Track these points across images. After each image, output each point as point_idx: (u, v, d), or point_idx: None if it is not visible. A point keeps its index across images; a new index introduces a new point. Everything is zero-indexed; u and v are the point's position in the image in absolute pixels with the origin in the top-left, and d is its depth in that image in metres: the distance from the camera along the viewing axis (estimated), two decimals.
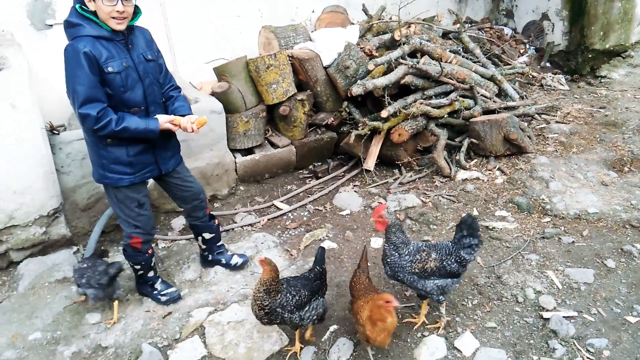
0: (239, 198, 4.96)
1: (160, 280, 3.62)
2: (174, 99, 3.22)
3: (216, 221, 3.78)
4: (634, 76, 7.32)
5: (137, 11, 2.96)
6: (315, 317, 2.96)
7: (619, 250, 3.83)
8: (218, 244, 3.85)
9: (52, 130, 4.06)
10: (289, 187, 5.09)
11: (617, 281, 3.52)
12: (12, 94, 3.73)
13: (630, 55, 7.79)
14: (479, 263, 3.79)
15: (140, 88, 2.99)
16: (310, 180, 5.17)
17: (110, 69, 2.82)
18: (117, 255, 4.15)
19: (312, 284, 3.01)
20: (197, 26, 5.80)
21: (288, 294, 2.86)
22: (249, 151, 5.07)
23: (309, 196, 4.87)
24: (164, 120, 3.03)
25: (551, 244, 3.96)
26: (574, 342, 3.02)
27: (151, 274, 3.55)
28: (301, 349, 3.10)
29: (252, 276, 3.81)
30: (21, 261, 4.03)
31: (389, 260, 2.96)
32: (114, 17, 2.79)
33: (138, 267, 3.48)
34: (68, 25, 2.82)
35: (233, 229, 4.37)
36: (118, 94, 2.91)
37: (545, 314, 3.23)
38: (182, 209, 3.67)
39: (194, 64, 5.52)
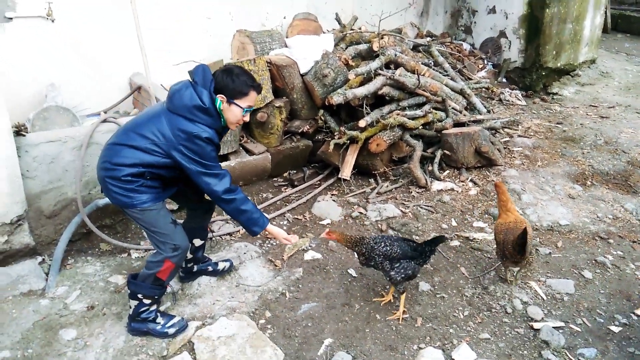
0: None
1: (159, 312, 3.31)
2: None
3: (209, 228, 3.64)
4: (583, 94, 7.74)
5: None
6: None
7: (593, 261, 4.00)
8: (204, 254, 3.70)
9: (19, 131, 3.75)
10: (264, 195, 4.97)
11: (596, 291, 3.67)
12: None
13: (578, 74, 8.24)
14: (464, 274, 3.84)
15: None
16: (286, 189, 5.07)
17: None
18: (86, 266, 3.89)
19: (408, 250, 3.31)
20: (167, 26, 5.59)
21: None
22: (223, 158, 4.91)
23: (286, 205, 4.77)
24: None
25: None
26: (565, 353, 3.11)
27: (154, 306, 3.23)
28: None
29: (237, 288, 3.67)
30: None
31: None
32: (238, 122, 3.05)
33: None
34: (205, 112, 2.89)
35: (211, 238, 4.20)
36: None
37: (535, 325, 3.31)
38: (192, 208, 3.55)
39: (164, 66, 5.30)
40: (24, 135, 3.78)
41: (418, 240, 3.99)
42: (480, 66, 8.02)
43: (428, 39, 6.75)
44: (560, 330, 3.27)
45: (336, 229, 4.29)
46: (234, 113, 2.96)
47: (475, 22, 8.42)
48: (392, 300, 3.52)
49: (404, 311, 3.39)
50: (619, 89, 7.91)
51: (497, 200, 3.81)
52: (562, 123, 6.62)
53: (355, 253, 3.42)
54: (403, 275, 3.28)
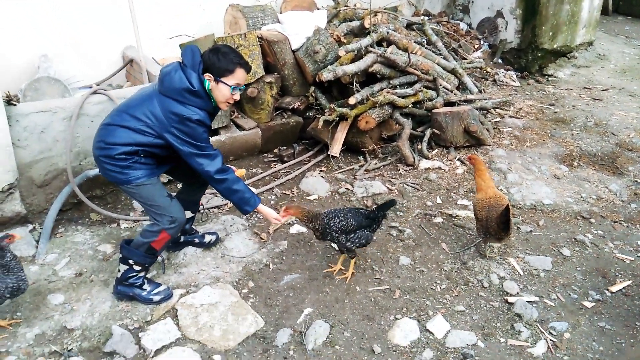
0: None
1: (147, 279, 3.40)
2: None
3: (200, 202, 3.74)
4: (578, 76, 7.73)
5: None
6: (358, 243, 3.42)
7: (573, 239, 4.08)
8: (192, 225, 3.79)
9: (10, 101, 3.80)
10: (254, 170, 5.03)
11: (573, 269, 3.76)
12: None
13: (575, 56, 8.21)
14: (444, 249, 3.92)
15: None
16: (275, 164, 5.13)
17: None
18: (76, 235, 3.98)
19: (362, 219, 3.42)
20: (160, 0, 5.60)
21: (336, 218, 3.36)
22: (214, 132, 4.96)
23: (275, 180, 4.84)
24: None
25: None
26: (537, 326, 3.21)
27: (142, 273, 3.32)
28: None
29: (222, 258, 3.76)
30: None
31: None
32: (228, 102, 3.08)
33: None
34: (195, 94, 2.94)
35: (200, 210, 4.27)
36: None
37: (510, 299, 3.41)
38: (188, 183, 3.64)
39: (157, 40, 5.32)
40: (15, 105, 3.84)
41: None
42: (476, 46, 8.00)
43: (423, 17, 6.73)
44: (534, 305, 3.37)
45: (291, 204, 3.77)
46: (222, 92, 3.01)
47: (472, 2, 8.37)
48: (342, 269, 3.65)
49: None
50: (615, 72, 7.90)
51: (474, 171, 3.88)
52: (554, 104, 6.64)
53: (310, 230, 3.47)
54: (358, 245, 3.44)
